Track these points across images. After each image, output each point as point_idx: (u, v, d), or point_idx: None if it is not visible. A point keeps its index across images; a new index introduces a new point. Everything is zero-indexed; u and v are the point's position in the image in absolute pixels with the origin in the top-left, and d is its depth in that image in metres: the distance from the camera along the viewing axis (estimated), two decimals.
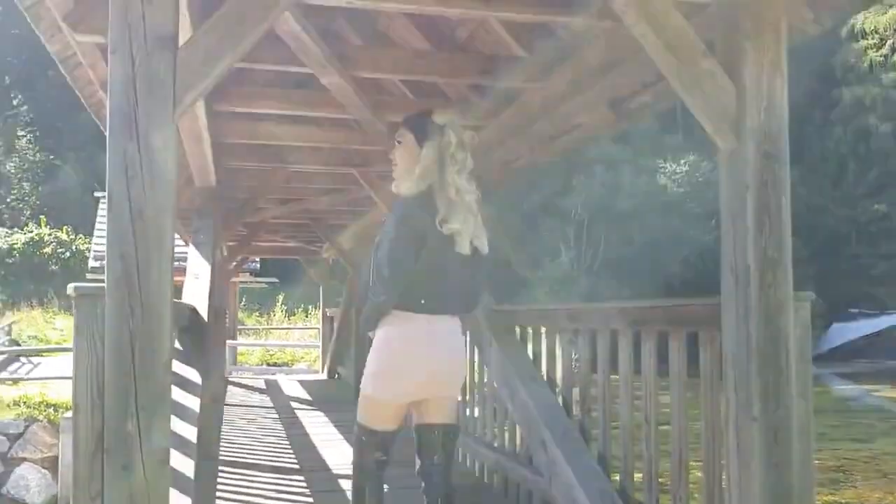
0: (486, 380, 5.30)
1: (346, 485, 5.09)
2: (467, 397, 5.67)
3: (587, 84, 4.07)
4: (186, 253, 5.83)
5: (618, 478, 3.61)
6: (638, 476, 3.48)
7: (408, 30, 4.84)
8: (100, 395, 2.16)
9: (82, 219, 30.18)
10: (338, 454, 5.99)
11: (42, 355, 19.46)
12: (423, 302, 2.78)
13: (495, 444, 5.09)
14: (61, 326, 25.58)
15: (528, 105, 4.49)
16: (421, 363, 2.81)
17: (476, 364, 5.43)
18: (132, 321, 2.16)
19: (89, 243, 29.90)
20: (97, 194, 18.50)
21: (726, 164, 2.67)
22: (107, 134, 2.19)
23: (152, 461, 2.16)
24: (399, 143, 2.94)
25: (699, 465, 3.12)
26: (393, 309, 2.78)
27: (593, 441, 3.94)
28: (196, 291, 5.21)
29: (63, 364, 16.33)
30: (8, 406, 12.76)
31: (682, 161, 27.65)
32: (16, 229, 31.25)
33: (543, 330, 4.54)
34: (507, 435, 4.90)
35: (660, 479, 3.36)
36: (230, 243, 10.75)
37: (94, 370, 2.17)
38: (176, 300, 4.69)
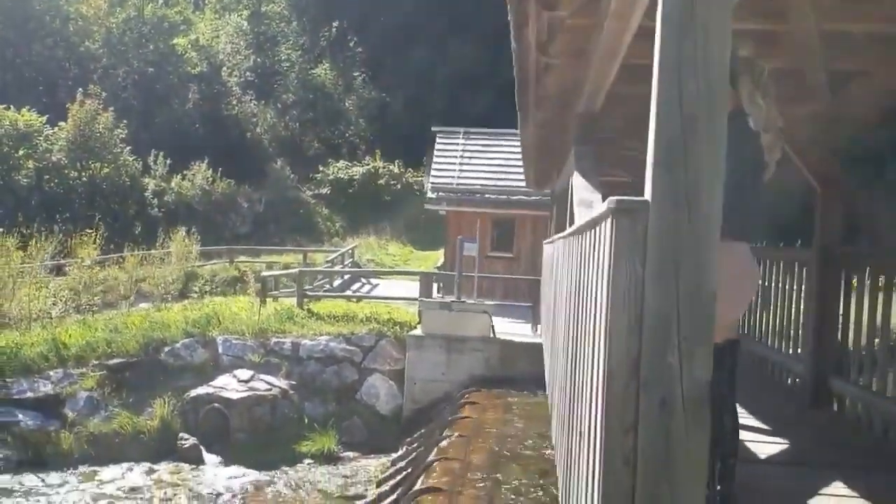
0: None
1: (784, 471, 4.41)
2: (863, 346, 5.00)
3: None
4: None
5: None
6: None
7: None
8: (637, 320, 1.95)
9: (410, 153, 32.36)
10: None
11: (380, 277, 21.32)
12: (741, 230, 2.99)
13: None
14: (394, 252, 27.87)
15: None
16: (732, 288, 2.86)
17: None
18: (677, 241, 1.90)
19: (418, 176, 32.06)
20: (434, 129, 19.29)
21: None
22: (657, 28, 1.94)
23: (693, 398, 1.92)
24: None
25: None
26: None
27: None
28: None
29: (397, 287, 17.67)
30: (361, 321, 14.07)
31: None
32: (355, 162, 34.41)
33: None
34: None
35: None
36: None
37: (633, 294, 1.95)
38: None
